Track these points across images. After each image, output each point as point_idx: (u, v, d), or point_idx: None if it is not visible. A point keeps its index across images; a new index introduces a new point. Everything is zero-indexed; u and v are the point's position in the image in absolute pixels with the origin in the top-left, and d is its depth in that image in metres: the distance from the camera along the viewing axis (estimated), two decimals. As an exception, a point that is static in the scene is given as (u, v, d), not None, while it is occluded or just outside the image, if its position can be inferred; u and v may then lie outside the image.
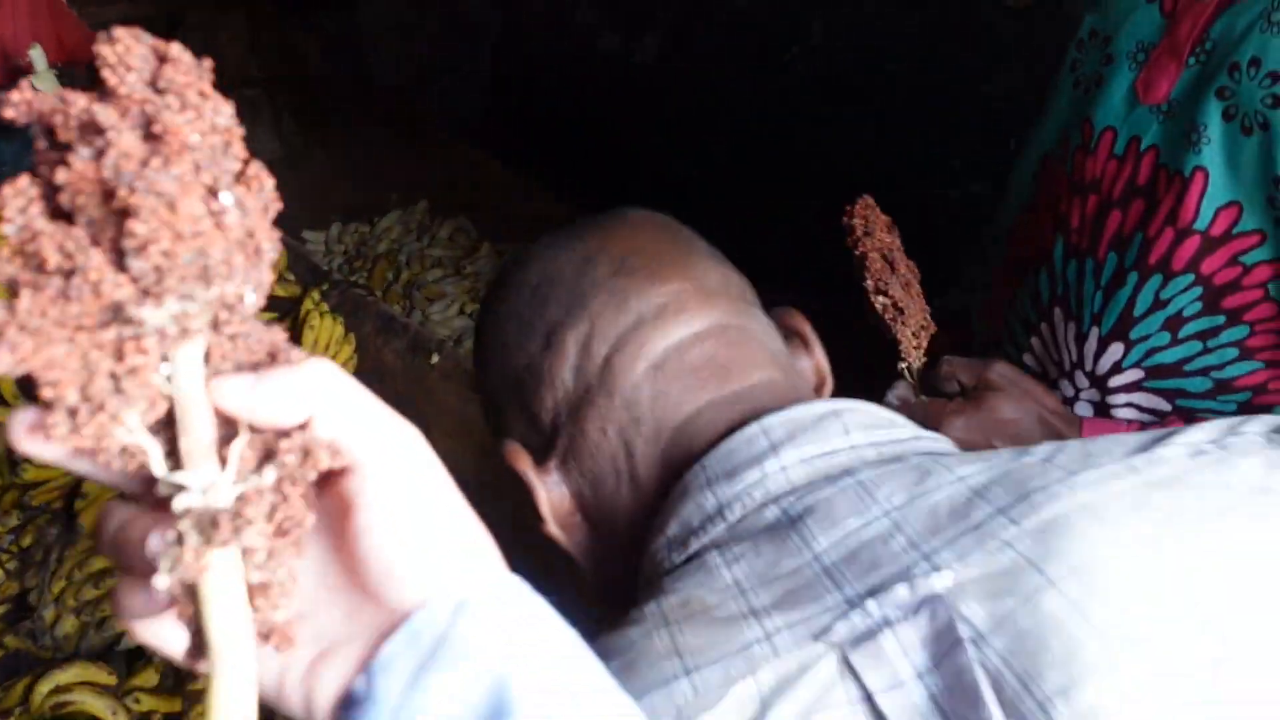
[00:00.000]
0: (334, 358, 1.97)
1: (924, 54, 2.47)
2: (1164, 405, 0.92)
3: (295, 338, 1.93)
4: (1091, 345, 0.94)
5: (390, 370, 1.98)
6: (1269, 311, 0.85)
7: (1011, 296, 1.03)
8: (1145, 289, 0.89)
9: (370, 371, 2.01)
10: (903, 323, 0.90)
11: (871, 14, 2.56)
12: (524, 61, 3.43)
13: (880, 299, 0.90)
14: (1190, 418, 0.92)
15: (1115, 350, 0.92)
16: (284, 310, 2.02)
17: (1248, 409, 0.90)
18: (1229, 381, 0.89)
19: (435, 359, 1.90)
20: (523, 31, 3.41)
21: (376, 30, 3.35)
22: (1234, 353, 0.88)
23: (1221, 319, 0.87)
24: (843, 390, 0.70)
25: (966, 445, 0.82)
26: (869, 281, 0.89)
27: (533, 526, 0.66)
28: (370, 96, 3.19)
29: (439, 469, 0.41)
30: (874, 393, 0.93)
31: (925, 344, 0.91)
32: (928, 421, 0.84)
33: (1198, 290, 0.87)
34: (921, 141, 2.38)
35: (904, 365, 0.90)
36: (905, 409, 0.88)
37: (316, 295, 2.00)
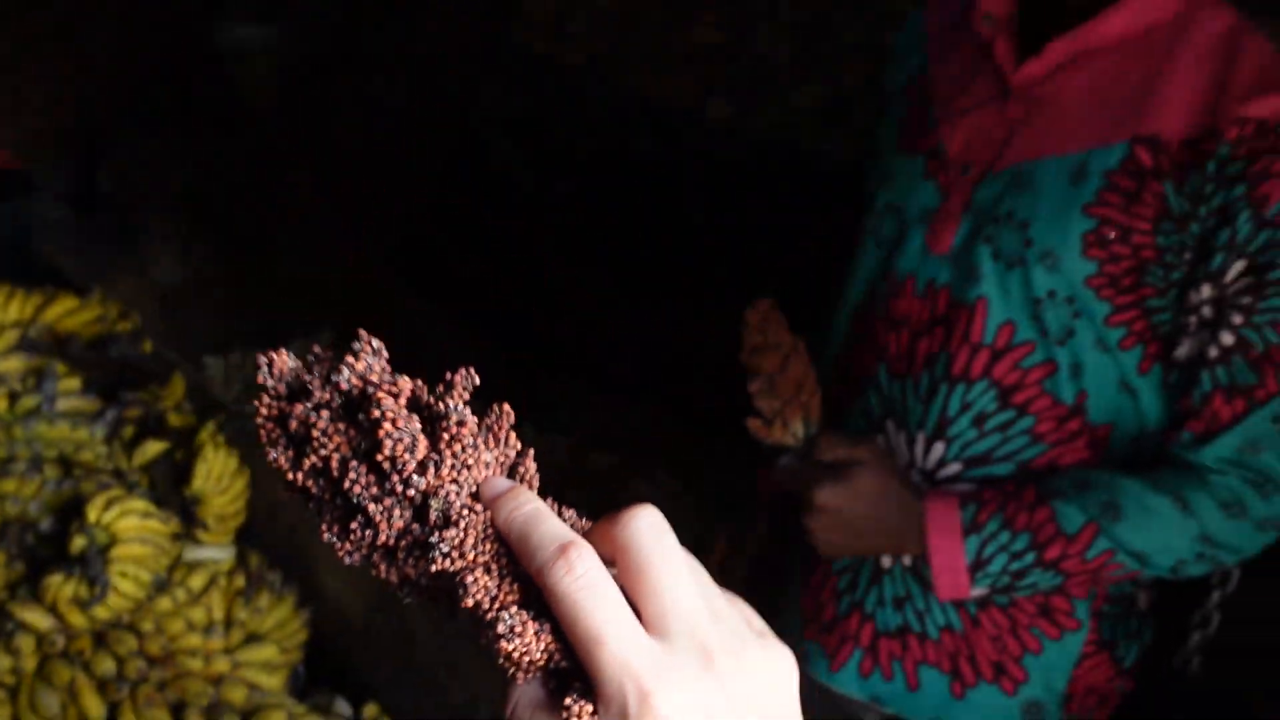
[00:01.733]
0: (226, 490, 1.97)
1: (814, 220, 2.65)
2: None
3: (188, 469, 1.94)
4: (919, 447, 1.16)
5: (282, 505, 1.99)
6: (1046, 403, 1.10)
7: (840, 419, 1.25)
8: (954, 396, 1.12)
9: (262, 506, 2.02)
10: (783, 421, 1.11)
11: (764, 182, 2.74)
12: (437, 196, 3.54)
13: (764, 403, 1.11)
14: None
15: (938, 449, 1.14)
16: (177, 441, 2.03)
17: None
18: (1026, 464, 1.12)
19: (329, 495, 1.93)
20: (436, 167, 3.53)
21: (292, 157, 3.43)
22: (1026, 440, 1.12)
23: (1013, 413, 1.11)
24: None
25: (833, 509, 1.09)
26: (754, 386, 1.11)
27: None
28: (284, 223, 3.25)
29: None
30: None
31: (816, 414, 1.12)
32: (805, 486, 1.10)
33: (993, 392, 1.11)
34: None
35: (786, 444, 1.12)
36: (790, 474, 1.13)
37: (213, 426, 2.01)
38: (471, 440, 0.49)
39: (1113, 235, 1.03)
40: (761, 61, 2.73)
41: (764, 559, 1.40)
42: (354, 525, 0.51)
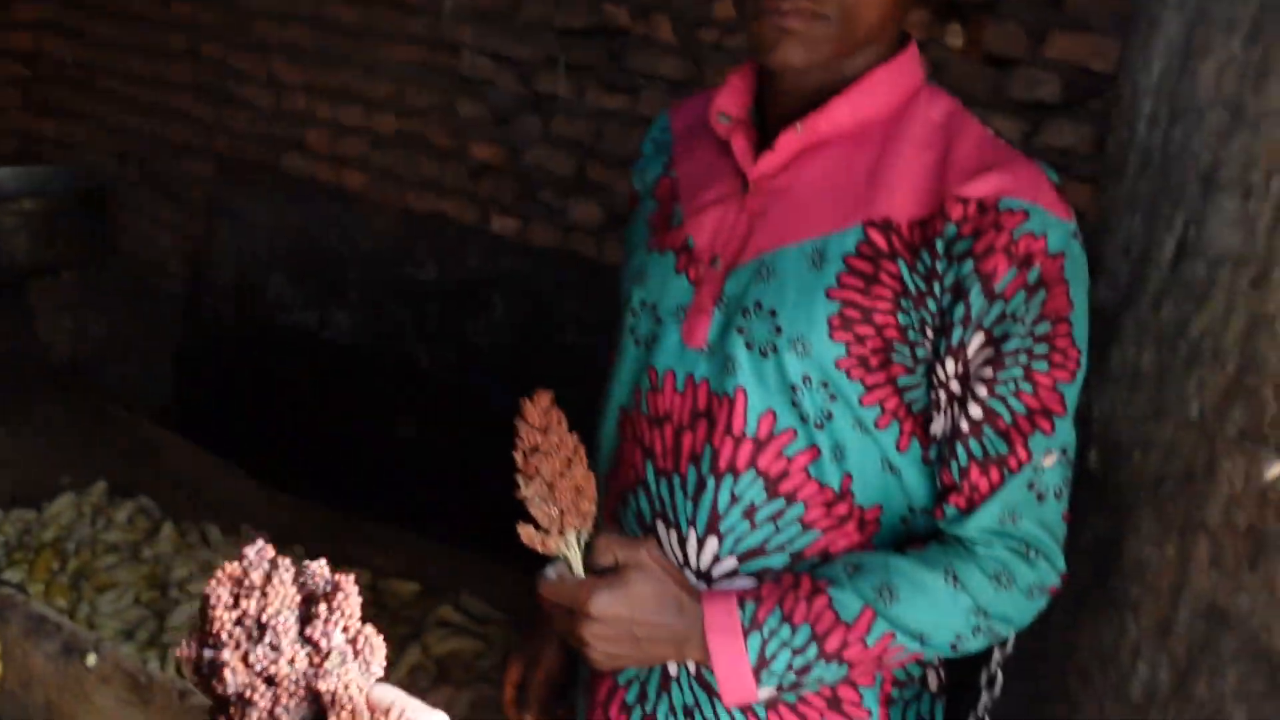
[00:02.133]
0: (-29, 668, 1.77)
1: (589, 328, 2.68)
2: (753, 584, 1.10)
3: (-76, 649, 1.73)
4: (692, 545, 1.12)
5: (39, 677, 1.80)
6: (813, 489, 1.08)
7: (616, 525, 1.21)
8: (723, 489, 1.09)
9: (14, 681, 1.82)
10: (560, 530, 1.04)
11: (546, 290, 2.77)
12: (212, 337, 3.40)
13: (541, 511, 1.04)
14: None
15: (711, 544, 1.11)
16: (-86, 618, 1.82)
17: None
18: (800, 552, 1.09)
19: (92, 660, 1.76)
20: (212, 307, 3.40)
21: (48, 307, 3.24)
22: (797, 528, 1.09)
23: (782, 502, 1.09)
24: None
25: (609, 618, 1.04)
26: (529, 490, 1.04)
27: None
28: (42, 375, 3.04)
29: None
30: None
31: (589, 523, 1.06)
32: (578, 595, 1.04)
33: (760, 482, 1.09)
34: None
35: (561, 554, 1.05)
36: (560, 585, 1.06)
37: (-46, 599, 1.82)
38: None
39: (855, 316, 1.05)
40: (540, 176, 2.79)
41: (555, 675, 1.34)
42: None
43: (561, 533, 1.03)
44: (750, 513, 1.09)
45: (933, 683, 1.17)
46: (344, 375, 3.10)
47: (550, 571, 1.06)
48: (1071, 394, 1.03)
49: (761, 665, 1.04)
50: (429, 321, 2.96)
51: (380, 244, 3.05)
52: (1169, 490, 1.11)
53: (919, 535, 1.10)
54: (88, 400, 2.98)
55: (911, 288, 1.03)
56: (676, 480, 1.13)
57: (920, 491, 1.09)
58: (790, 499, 1.09)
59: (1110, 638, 1.15)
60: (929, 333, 1.04)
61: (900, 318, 1.04)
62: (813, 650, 1.04)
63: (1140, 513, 1.13)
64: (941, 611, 1.04)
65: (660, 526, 1.14)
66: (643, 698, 1.17)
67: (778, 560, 1.09)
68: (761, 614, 1.04)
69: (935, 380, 1.05)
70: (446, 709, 1.73)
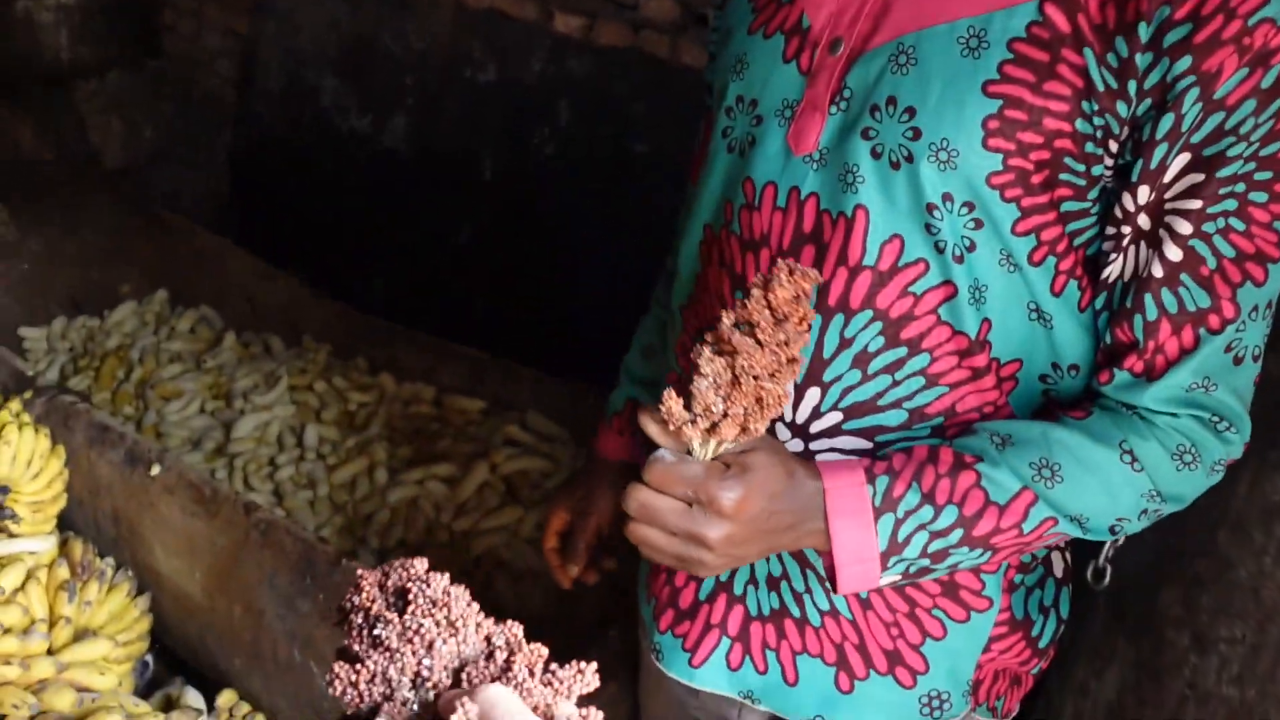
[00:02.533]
0: (38, 474, 1.76)
1: (661, 135, 2.51)
2: (864, 444, 0.95)
3: (-9, 455, 1.71)
4: (789, 395, 0.94)
5: (106, 485, 1.79)
6: (944, 335, 0.91)
7: (686, 366, 1.05)
8: (830, 330, 0.93)
9: (83, 488, 1.81)
10: (718, 428, 0.82)
11: (616, 99, 2.59)
12: (267, 142, 3.28)
13: (705, 396, 0.81)
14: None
15: (812, 395, 0.94)
16: (-22, 424, 1.80)
17: (940, 434, 0.95)
18: (920, 410, 0.93)
19: (156, 471, 1.74)
20: (264, 111, 3.27)
21: (96, 109, 3.13)
22: (920, 381, 0.93)
23: (904, 350, 0.92)
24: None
25: (745, 515, 0.84)
26: (707, 365, 0.81)
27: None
28: (96, 180, 2.96)
29: None
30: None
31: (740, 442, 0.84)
32: (707, 485, 0.83)
33: (878, 325, 0.92)
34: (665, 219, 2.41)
35: (690, 449, 0.84)
36: (681, 470, 0.84)
37: (16, 405, 1.79)
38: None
39: (1019, 119, 0.84)
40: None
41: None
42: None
43: (710, 434, 0.82)
44: (863, 360, 0.93)
45: (1058, 567, 1.03)
46: (402, 183, 2.99)
47: (662, 453, 0.84)
48: None
49: (892, 550, 0.88)
50: (490, 128, 2.81)
51: (435, 44, 2.87)
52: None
53: (1061, 398, 0.94)
54: (142, 206, 2.90)
55: (1099, 84, 0.82)
56: None
57: (1072, 345, 0.92)
58: (914, 346, 0.91)
59: (1277, 492, 1.02)
60: (1112, 145, 0.84)
61: (1079, 124, 0.83)
62: (957, 534, 0.88)
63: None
64: (1113, 495, 0.88)
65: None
66: None
67: (893, 417, 0.93)
68: (897, 489, 0.87)
69: (1118, 211, 0.86)
70: (514, 529, 1.65)
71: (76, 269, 2.79)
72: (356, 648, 0.59)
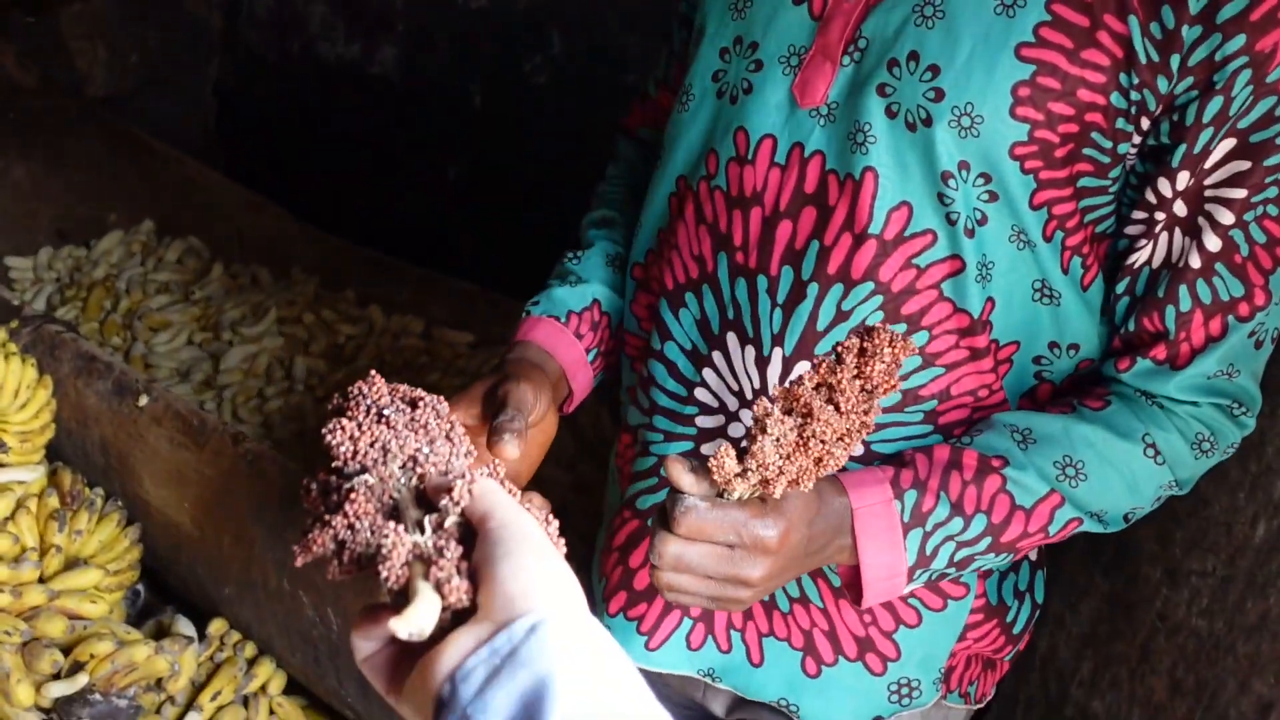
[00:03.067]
0: (26, 404, 1.76)
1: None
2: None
3: (-23, 384, 1.71)
4: (776, 368, 0.90)
5: (94, 415, 1.79)
6: (945, 312, 0.86)
7: (663, 331, 0.98)
8: (827, 301, 0.87)
9: (71, 418, 1.81)
10: (767, 483, 0.76)
11: (609, 29, 2.55)
12: (253, 71, 3.23)
13: (765, 455, 0.74)
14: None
15: (801, 369, 0.88)
16: (-37, 354, 1.79)
17: (933, 419, 0.90)
18: (914, 391, 0.89)
19: (144, 401, 1.74)
20: (251, 39, 3.21)
21: (80, 34, 3.07)
22: (916, 360, 0.87)
23: (903, 327, 0.87)
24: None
25: (789, 549, 0.78)
26: (774, 426, 0.74)
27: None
28: (81, 108, 2.91)
29: (541, 530, 0.60)
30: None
31: (784, 483, 0.76)
32: (749, 527, 0.77)
33: (878, 299, 0.86)
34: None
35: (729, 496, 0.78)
36: (722, 517, 0.77)
37: (3, 335, 1.78)
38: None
39: (1052, 87, 0.78)
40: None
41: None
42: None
43: (763, 488, 0.76)
44: None
45: (1033, 552, 1.00)
46: (391, 113, 2.94)
47: (693, 501, 0.77)
48: None
49: (920, 564, 0.83)
50: (481, 58, 2.76)
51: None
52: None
53: (1054, 380, 0.89)
54: (128, 135, 2.86)
55: (1141, 55, 0.76)
56: (762, 282, 0.89)
57: (1076, 326, 0.87)
58: (913, 323, 0.86)
59: (1257, 428, 1.02)
60: (1144, 123, 0.78)
61: (1114, 98, 0.77)
62: (985, 542, 0.84)
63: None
64: (1135, 489, 0.85)
65: (732, 340, 0.91)
66: None
67: (888, 398, 0.85)
68: (926, 503, 0.83)
69: (1151, 195, 0.80)
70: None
71: (62, 198, 2.76)
72: (359, 419, 0.65)
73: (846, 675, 0.97)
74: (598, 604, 1.07)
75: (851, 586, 0.87)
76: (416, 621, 0.56)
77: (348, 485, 0.62)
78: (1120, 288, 0.86)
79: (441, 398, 0.67)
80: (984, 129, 0.80)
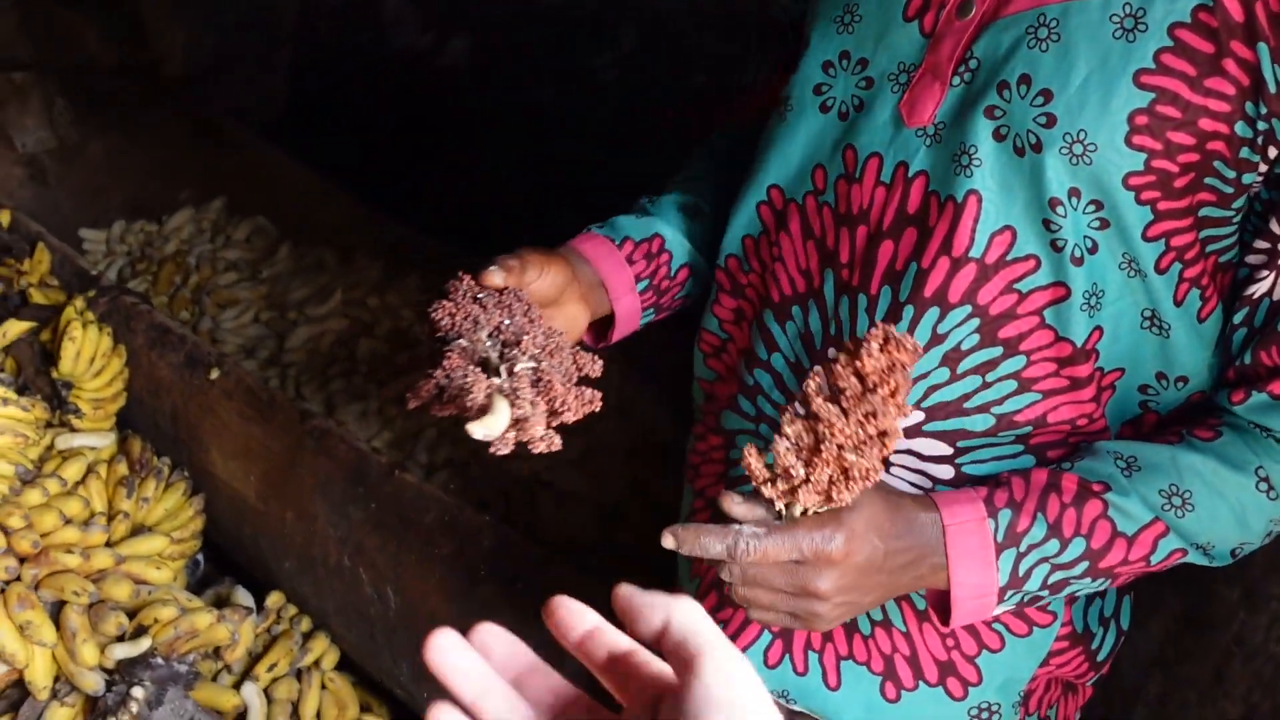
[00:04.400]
0: (100, 372, 1.80)
1: (724, 69, 2.48)
2: (945, 449, 0.90)
3: (55, 349, 1.76)
4: None
5: (165, 386, 1.83)
6: (1045, 339, 0.84)
7: (760, 340, 0.98)
8: (922, 323, 0.86)
9: (143, 388, 1.85)
10: (795, 492, 0.77)
11: (678, 28, 2.56)
12: (325, 58, 3.28)
13: (786, 454, 0.76)
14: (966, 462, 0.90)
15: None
16: (44, 319, 1.84)
17: (1026, 444, 0.89)
18: (1009, 416, 0.87)
19: (215, 374, 1.77)
20: (324, 26, 3.26)
21: (158, 17, 3.13)
22: (1012, 385, 0.86)
23: (999, 350, 0.85)
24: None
25: (858, 561, 0.78)
26: (790, 427, 0.76)
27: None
28: (157, 86, 2.97)
29: (758, 689, 0.46)
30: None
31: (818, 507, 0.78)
32: (808, 543, 0.77)
33: (975, 322, 0.85)
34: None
35: (767, 510, 0.79)
36: (779, 539, 0.77)
37: (81, 303, 1.83)
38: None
39: (1173, 116, 0.76)
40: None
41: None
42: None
43: (791, 497, 0.77)
44: (954, 358, 0.86)
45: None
46: (459, 105, 2.98)
47: (749, 529, 0.78)
48: None
49: (1012, 585, 0.82)
50: (551, 53, 2.78)
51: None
52: None
53: (1160, 410, 0.88)
54: (201, 116, 2.92)
55: (1271, 84, 0.74)
56: (863, 301, 0.88)
57: (1186, 356, 0.86)
58: (1010, 347, 0.85)
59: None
60: (1271, 152, 0.76)
61: (1239, 127, 0.75)
62: (1082, 566, 0.83)
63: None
64: (1244, 523, 0.83)
65: (833, 355, 0.89)
66: None
67: (979, 422, 0.87)
68: (1021, 524, 0.82)
69: (1275, 226, 0.79)
70: (559, 451, 1.73)
71: (136, 174, 2.82)
72: (457, 300, 0.82)
73: (926, 700, 0.96)
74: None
75: (939, 606, 0.87)
76: (490, 424, 0.75)
77: (446, 348, 0.80)
78: (1238, 318, 0.85)
79: (522, 289, 0.88)
80: (1097, 158, 0.78)
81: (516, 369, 0.79)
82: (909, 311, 0.86)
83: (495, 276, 0.89)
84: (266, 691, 1.67)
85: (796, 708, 1.01)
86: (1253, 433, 0.84)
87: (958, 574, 0.82)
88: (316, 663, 1.73)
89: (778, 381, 0.98)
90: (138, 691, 1.47)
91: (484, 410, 0.76)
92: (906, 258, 0.86)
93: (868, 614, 0.95)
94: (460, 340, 0.81)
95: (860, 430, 0.74)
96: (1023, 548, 0.82)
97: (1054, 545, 0.83)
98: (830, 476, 0.74)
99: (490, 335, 0.81)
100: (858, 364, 0.74)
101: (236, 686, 1.65)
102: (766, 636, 1.00)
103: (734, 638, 1.01)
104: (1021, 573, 0.83)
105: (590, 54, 2.72)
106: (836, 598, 0.79)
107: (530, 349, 0.80)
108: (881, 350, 0.74)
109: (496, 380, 0.78)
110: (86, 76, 2.91)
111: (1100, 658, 1.00)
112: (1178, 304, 0.84)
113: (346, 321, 2.31)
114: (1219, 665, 1.12)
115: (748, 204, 0.98)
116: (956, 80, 0.84)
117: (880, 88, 0.88)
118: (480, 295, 0.84)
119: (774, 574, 0.78)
